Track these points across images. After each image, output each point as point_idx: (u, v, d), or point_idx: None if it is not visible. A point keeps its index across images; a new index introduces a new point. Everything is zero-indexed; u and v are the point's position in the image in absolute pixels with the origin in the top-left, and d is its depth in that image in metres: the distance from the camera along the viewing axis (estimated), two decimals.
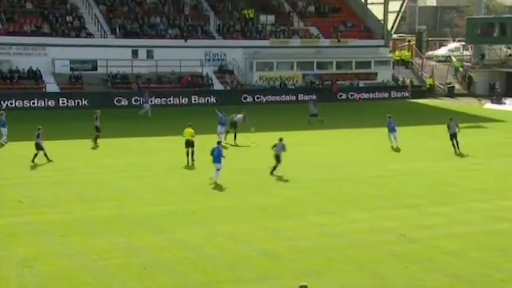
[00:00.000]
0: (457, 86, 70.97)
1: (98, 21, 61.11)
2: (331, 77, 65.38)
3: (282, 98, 61.03)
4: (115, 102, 54.65)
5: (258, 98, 60.03)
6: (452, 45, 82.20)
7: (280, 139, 30.11)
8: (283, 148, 29.90)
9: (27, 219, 22.78)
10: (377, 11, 72.19)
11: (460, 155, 35.75)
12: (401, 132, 38.13)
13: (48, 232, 21.27)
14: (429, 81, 69.74)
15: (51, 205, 24.70)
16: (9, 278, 17.38)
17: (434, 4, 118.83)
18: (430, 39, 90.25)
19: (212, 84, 60.77)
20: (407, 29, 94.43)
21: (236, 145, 37.59)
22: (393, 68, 70.06)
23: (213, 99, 57.94)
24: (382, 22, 71.02)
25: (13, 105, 51.59)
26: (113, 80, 57.72)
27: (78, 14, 61.21)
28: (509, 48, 72.85)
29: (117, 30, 61.07)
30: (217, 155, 28.29)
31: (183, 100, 56.72)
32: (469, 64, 73.80)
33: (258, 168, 31.17)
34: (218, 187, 27.76)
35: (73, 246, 19.88)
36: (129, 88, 57.20)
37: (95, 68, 58.05)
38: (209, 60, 62.75)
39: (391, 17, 71.11)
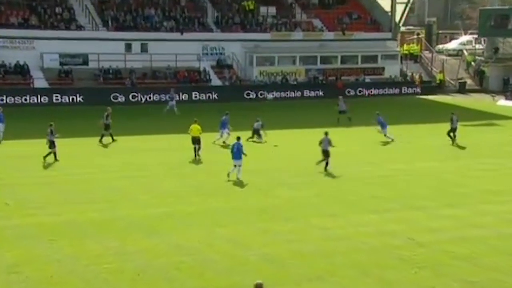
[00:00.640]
0: (469, 81, 71.00)
1: (89, 12, 61.15)
2: (335, 72, 65.41)
3: (287, 94, 61.22)
4: (111, 98, 54.79)
5: (261, 94, 60.16)
6: (464, 38, 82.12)
7: (326, 133, 31.25)
8: (329, 142, 30.90)
9: (14, 222, 22.82)
10: (385, 2, 72.20)
11: (472, 154, 35.82)
12: (407, 130, 38.26)
13: (37, 235, 21.32)
14: (439, 76, 69.79)
15: (40, 207, 24.76)
16: None
17: None
18: (440, 31, 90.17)
19: (210, 80, 60.82)
20: (416, 21, 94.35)
21: (254, 142, 38.24)
22: (401, 62, 70.09)
23: (214, 96, 58.09)
24: (390, 14, 71.05)
25: (4, 101, 51.47)
26: (105, 76, 57.77)
27: (68, 5, 61.26)
28: None
29: (109, 22, 61.09)
30: (236, 151, 29.04)
31: (183, 97, 56.87)
32: (481, 58, 73.81)
33: (257, 169, 31.23)
34: (215, 188, 27.85)
35: (63, 251, 19.93)
36: (122, 84, 57.27)
37: (86, 62, 58.09)
38: (206, 54, 62.77)
39: (399, 9, 71.14)
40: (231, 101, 52.43)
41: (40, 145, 33.09)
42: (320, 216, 23.83)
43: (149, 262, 19.03)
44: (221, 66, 62.65)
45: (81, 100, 53.97)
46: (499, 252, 20.27)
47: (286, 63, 64.76)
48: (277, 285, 17.48)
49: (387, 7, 71.75)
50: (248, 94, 59.78)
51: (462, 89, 68.92)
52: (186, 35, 61.91)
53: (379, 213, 24.35)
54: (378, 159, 34.22)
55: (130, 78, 57.65)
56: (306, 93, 61.87)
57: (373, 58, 67.81)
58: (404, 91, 65.77)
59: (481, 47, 77.63)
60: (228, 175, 29.23)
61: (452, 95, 66.48)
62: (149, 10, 63.46)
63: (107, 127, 37.51)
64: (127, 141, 38.24)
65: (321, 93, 62.07)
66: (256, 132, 39.13)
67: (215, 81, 61.02)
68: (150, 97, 56.19)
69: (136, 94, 55.80)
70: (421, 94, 65.54)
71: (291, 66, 64.74)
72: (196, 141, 33.65)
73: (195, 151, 33.65)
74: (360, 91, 63.31)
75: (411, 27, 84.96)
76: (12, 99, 52.57)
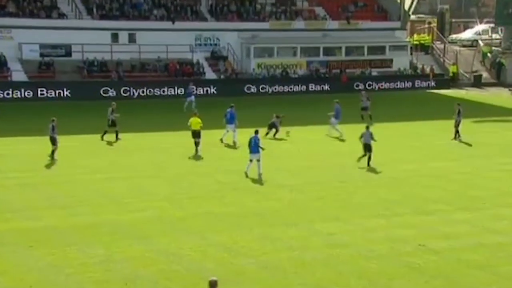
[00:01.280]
0: (484, 74, 71.06)
1: None
2: (339, 64, 65.40)
3: (290, 88, 61.26)
4: (101, 93, 54.78)
5: (263, 88, 60.20)
6: (479, 27, 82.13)
7: (367, 127, 32.53)
8: (371, 136, 32.00)
9: None
10: None
11: (488, 153, 35.82)
12: (417, 128, 38.27)
13: (14, 242, 21.24)
14: (452, 69, 69.79)
15: (18, 211, 24.67)
16: None
17: None
18: (453, 20, 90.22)
19: (204, 73, 60.79)
20: (427, 9, 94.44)
21: (275, 139, 38.73)
22: (411, 54, 70.10)
23: (213, 90, 58.12)
24: (399, 1, 71.03)
25: None
26: (89, 68, 57.68)
27: None
28: None
29: (94, 10, 61.00)
30: (254, 146, 29.74)
31: (178, 91, 56.89)
32: (498, 49, 73.84)
33: (257, 169, 31.17)
34: (209, 190, 27.81)
35: (44, 259, 19.88)
36: (108, 77, 57.19)
37: (68, 54, 57.99)
38: (200, 45, 62.73)
39: None
40: (230, 95, 52.46)
41: (18, 143, 33.02)
42: (324, 221, 23.80)
43: (137, 271, 18.97)
44: (215, 58, 62.62)
45: (68, 95, 53.96)
46: None
47: (286, 54, 64.72)
48: None
49: None
50: (249, 88, 59.78)
51: (477, 82, 68.94)
52: (178, 25, 61.85)
53: (387, 217, 24.33)
54: (387, 159, 34.17)
55: (117, 71, 57.58)
56: (311, 87, 61.86)
57: (381, 50, 67.78)
58: (418, 85, 65.77)
59: (498, 37, 77.70)
60: (245, 173, 29.86)
61: (466, 89, 66.49)
62: None
63: (112, 123, 37.80)
64: (113, 140, 38.13)
65: (327, 87, 62.11)
66: (273, 126, 39.45)
67: (209, 74, 60.99)
68: (143, 91, 56.19)
69: (128, 88, 55.72)
70: (433, 88, 65.52)
71: (292, 58, 64.71)
72: (196, 134, 34.53)
73: (196, 145, 34.46)
74: (369, 85, 63.20)
75: (421, 16, 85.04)
76: None
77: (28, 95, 53.28)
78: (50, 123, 33.05)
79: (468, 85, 68.77)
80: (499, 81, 70.00)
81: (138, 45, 59.59)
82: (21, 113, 46.74)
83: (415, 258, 20.18)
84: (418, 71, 68.28)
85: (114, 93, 55.22)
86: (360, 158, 32.36)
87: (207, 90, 57.99)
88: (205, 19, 64.55)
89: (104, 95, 54.61)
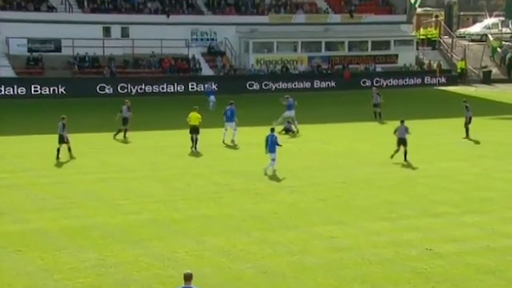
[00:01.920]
0: (494, 70, 71.14)
1: None
2: (342, 60, 65.58)
3: (294, 85, 61.36)
4: (97, 90, 54.85)
5: (266, 85, 60.28)
6: (489, 20, 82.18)
7: (402, 121, 33.16)
8: (407, 130, 32.92)
9: None
10: None
11: (498, 153, 35.87)
12: (424, 126, 38.25)
13: (2, 246, 21.22)
14: (460, 65, 69.88)
15: (5, 213, 24.67)
16: None
17: None
18: (462, 13, 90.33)
19: (200, 69, 60.90)
20: (434, 2, 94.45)
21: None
22: (417, 49, 70.17)
23: (213, 87, 58.15)
24: None
25: None
26: (80, 64, 57.77)
27: None
28: None
29: (85, 3, 61.07)
30: (271, 144, 30.10)
31: (178, 88, 56.94)
32: (509, 43, 73.92)
33: (255, 170, 31.22)
34: (205, 192, 27.83)
35: (33, 263, 19.89)
36: (100, 73, 57.24)
37: (58, 49, 58.12)
38: (196, 39, 62.84)
39: None
40: (232, 93, 52.66)
41: (5, 143, 32.98)
42: (325, 224, 23.83)
43: (130, 276, 19.00)
44: (212, 53, 62.71)
45: (63, 92, 54.02)
46: None
47: (286, 50, 64.84)
48: None
49: None
50: (251, 85, 59.86)
51: (486, 79, 69.03)
52: (173, 18, 61.93)
53: (392, 220, 24.35)
54: (393, 159, 34.21)
55: (109, 66, 57.64)
56: (316, 83, 61.97)
57: (385, 44, 67.91)
58: (427, 81, 65.82)
59: (508, 31, 77.73)
60: (265, 171, 30.20)
61: (475, 86, 66.57)
62: None
63: (124, 121, 37.94)
64: (108, 139, 38.17)
65: (332, 84, 62.27)
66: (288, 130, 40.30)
67: (206, 71, 61.06)
68: (141, 88, 56.29)
69: (125, 85, 55.80)
70: (439, 85, 65.58)
71: (292, 53, 64.81)
72: (194, 130, 34.91)
73: (192, 142, 34.81)
74: (377, 82, 63.24)
75: (428, 9, 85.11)
76: None
77: (21, 92, 53.36)
78: (60, 121, 33.10)
79: (477, 81, 68.86)
80: (509, 78, 70.09)
81: (131, 39, 59.69)
82: (11, 111, 46.77)
83: (421, 263, 20.20)
84: (425, 67, 68.34)
85: (111, 90, 55.42)
86: (393, 155, 33.04)
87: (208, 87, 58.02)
88: (202, 13, 64.60)
89: (101, 92, 54.74)
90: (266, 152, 30.48)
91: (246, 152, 35.63)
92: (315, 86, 61.92)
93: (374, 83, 61.93)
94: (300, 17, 66.81)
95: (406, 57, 67.83)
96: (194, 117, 35.14)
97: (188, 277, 14.34)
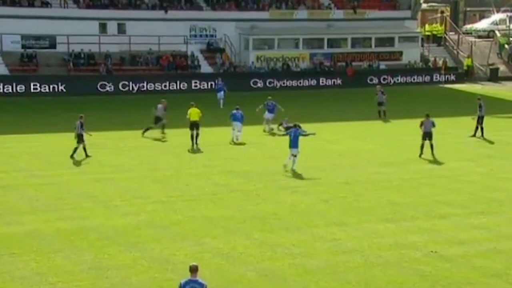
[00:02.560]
0: (501, 67, 71.13)
1: None
2: (345, 57, 65.56)
3: (299, 83, 61.46)
4: (98, 87, 54.92)
5: (270, 83, 60.34)
6: (496, 16, 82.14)
7: (427, 115, 34.25)
8: (433, 124, 34.10)
9: None
10: None
11: (506, 153, 35.89)
12: None
13: None
14: (466, 62, 69.85)
15: None
16: None
17: None
18: (468, 9, 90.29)
19: (199, 66, 60.90)
20: None
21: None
22: (422, 46, 70.16)
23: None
24: None
25: None
26: (75, 61, 57.73)
27: None
28: None
29: None
30: (294, 139, 30.42)
31: (181, 85, 57.02)
32: None
33: (255, 170, 31.25)
34: (204, 193, 27.86)
35: (27, 266, 19.91)
36: (96, 71, 57.25)
37: (53, 45, 58.12)
38: (195, 36, 62.82)
39: None
40: (235, 90, 52.69)
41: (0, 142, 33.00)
42: (328, 226, 23.84)
43: (127, 280, 19.02)
44: (211, 50, 62.70)
45: (63, 90, 54.10)
46: None
47: (287, 46, 64.79)
48: None
49: None
50: (255, 83, 59.89)
51: (493, 76, 69.00)
52: (171, 14, 61.92)
53: (397, 222, 24.37)
54: (397, 159, 34.28)
55: (105, 63, 57.63)
56: (322, 81, 62.09)
57: (389, 41, 67.86)
58: (436, 78, 65.84)
59: None
60: (284, 166, 30.67)
61: (482, 84, 66.55)
62: None
63: (157, 119, 38.36)
64: (105, 138, 38.15)
65: (339, 81, 62.35)
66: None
67: (205, 68, 61.05)
68: (143, 86, 56.34)
69: (127, 83, 55.83)
70: (445, 82, 65.58)
71: (294, 50, 64.76)
72: (195, 126, 35.46)
73: (192, 139, 35.31)
74: (384, 79, 63.23)
75: (434, 4, 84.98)
76: None
77: (16, 89, 53.37)
78: (78, 119, 33.22)
79: (484, 79, 68.84)
80: None
81: (128, 36, 59.68)
82: (4, 110, 46.80)
83: (426, 266, 20.23)
84: (430, 64, 68.33)
85: (112, 88, 55.44)
86: (420, 154, 34.00)
87: (211, 85, 57.81)
88: (201, 8, 64.59)
89: (101, 90, 54.83)
90: (289, 146, 30.85)
91: (246, 152, 35.67)
92: (320, 83, 61.92)
93: (381, 81, 62.03)
94: (301, 13, 66.79)
95: (411, 54, 67.79)
96: (194, 112, 35.66)
97: (194, 269, 14.63)
